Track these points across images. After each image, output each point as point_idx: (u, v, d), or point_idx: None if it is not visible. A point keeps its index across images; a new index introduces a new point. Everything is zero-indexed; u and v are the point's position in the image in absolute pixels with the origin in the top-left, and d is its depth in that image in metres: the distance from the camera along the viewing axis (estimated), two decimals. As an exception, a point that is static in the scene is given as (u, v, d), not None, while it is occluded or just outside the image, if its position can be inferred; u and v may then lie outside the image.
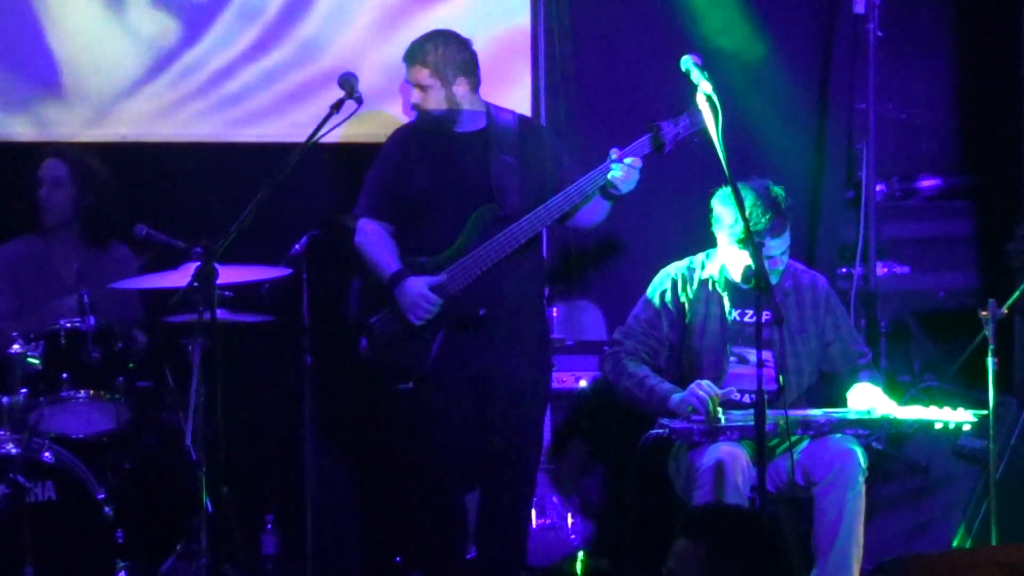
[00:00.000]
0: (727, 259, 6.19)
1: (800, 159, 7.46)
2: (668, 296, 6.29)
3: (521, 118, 6.43)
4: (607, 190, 6.15)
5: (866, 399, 6.09)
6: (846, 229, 7.45)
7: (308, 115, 5.57)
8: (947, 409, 5.94)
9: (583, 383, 6.98)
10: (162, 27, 7.19)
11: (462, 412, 6.27)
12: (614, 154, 6.09)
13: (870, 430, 6.12)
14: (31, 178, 6.77)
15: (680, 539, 4.38)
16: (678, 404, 6.06)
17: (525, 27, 7.29)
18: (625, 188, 6.13)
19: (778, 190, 6.15)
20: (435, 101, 6.23)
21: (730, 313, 6.22)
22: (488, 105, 6.33)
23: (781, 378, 5.68)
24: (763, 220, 6.01)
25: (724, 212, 6.15)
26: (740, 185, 5.83)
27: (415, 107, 6.25)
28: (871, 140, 7.35)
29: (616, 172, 6.09)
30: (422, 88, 6.21)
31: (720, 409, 5.95)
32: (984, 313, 6.01)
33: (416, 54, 6.24)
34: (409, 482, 6.43)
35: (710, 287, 6.26)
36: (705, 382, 6.05)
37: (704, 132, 5.77)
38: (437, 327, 6.18)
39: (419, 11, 7.15)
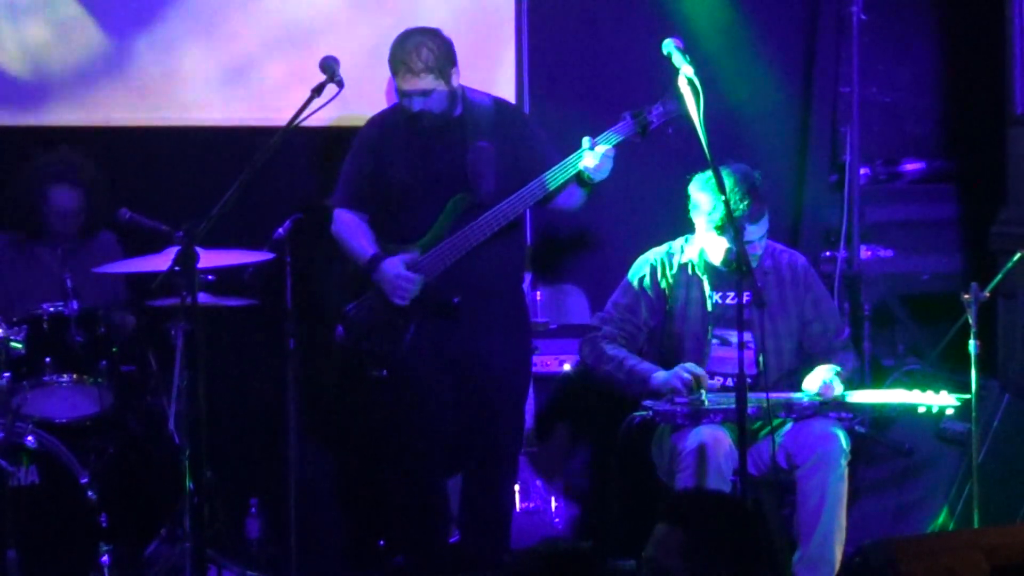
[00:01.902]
0: (706, 244, 6.19)
1: (784, 143, 7.50)
2: (647, 281, 6.29)
3: (497, 101, 6.40)
4: (581, 177, 6.13)
5: (817, 380, 6.05)
6: (830, 212, 7.47)
7: (291, 98, 5.55)
8: (930, 393, 5.95)
9: (567, 366, 6.99)
10: (138, 7, 7.17)
11: (440, 397, 6.27)
12: (586, 143, 6.08)
13: (853, 413, 6.12)
14: (29, 194, 6.72)
15: (661, 524, 4.40)
16: (661, 384, 6.07)
17: (508, 9, 7.27)
18: (598, 176, 6.12)
19: (756, 175, 6.13)
20: (438, 101, 6.18)
21: (711, 296, 6.22)
22: (464, 89, 6.30)
23: (761, 358, 5.65)
24: (741, 206, 6.00)
25: (702, 198, 6.14)
26: (722, 168, 5.84)
27: (419, 114, 6.15)
28: (855, 123, 7.35)
29: (588, 161, 6.07)
30: (425, 94, 6.14)
31: (703, 392, 5.96)
32: (967, 296, 5.99)
33: (413, 62, 6.10)
34: (391, 467, 6.43)
35: (690, 271, 6.26)
36: (690, 364, 6.06)
37: (684, 118, 5.75)
38: (411, 314, 6.18)
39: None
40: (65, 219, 6.74)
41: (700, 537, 4.32)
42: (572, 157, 6.11)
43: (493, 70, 7.21)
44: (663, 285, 6.27)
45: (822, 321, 6.32)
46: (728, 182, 5.96)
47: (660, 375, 6.09)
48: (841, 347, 6.33)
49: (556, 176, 6.11)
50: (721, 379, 6.14)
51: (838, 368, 6.14)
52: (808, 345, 6.32)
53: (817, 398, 6.01)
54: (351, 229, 6.32)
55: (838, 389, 6.00)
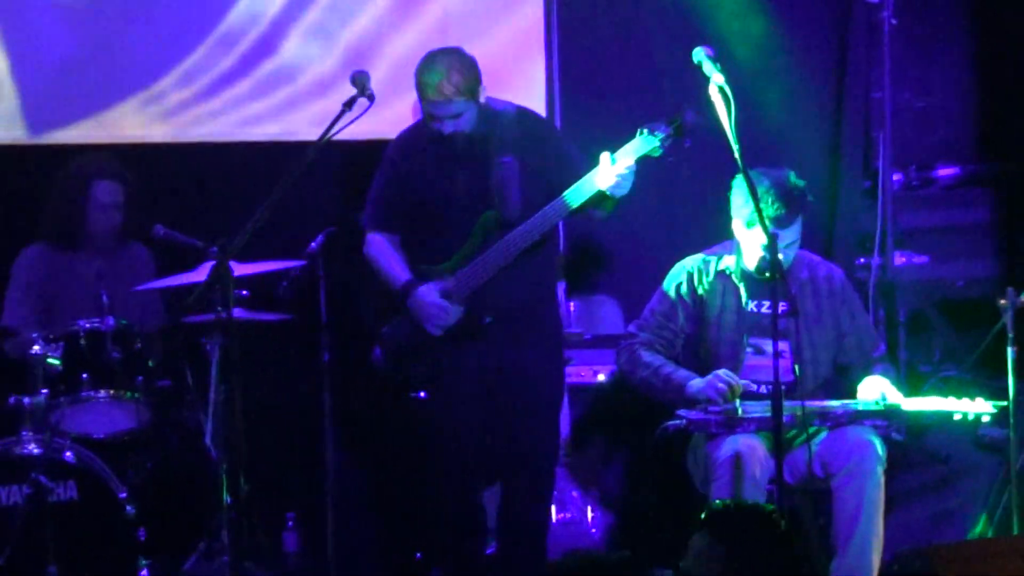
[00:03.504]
0: (742, 243, 6.17)
1: (817, 149, 7.49)
2: (684, 288, 6.27)
3: (521, 110, 6.34)
4: (603, 194, 6.05)
5: (874, 390, 6.05)
6: (864, 219, 7.46)
7: (322, 111, 5.57)
8: (966, 400, 5.89)
9: (601, 377, 6.98)
10: (171, 27, 7.23)
11: (475, 411, 6.26)
12: (604, 160, 5.99)
13: (889, 421, 6.08)
14: (71, 191, 6.77)
15: (698, 537, 4.41)
16: (697, 392, 6.06)
17: (538, 20, 7.29)
18: (620, 192, 6.02)
19: (796, 182, 6.11)
20: (469, 121, 6.14)
21: (747, 304, 6.20)
22: (488, 100, 6.23)
23: (797, 368, 5.65)
24: (771, 209, 5.98)
25: (736, 197, 6.14)
26: (757, 173, 5.85)
27: (452, 136, 6.11)
28: (887, 129, 7.36)
29: (604, 179, 5.99)
30: (456, 116, 6.10)
31: (738, 401, 5.95)
32: (1003, 301, 5.98)
33: (444, 87, 6.02)
34: (427, 479, 6.43)
35: (726, 278, 6.24)
36: (724, 371, 6.05)
37: (702, 131, 5.75)
38: (446, 335, 6.17)
39: (431, 2, 7.18)
40: (106, 214, 6.76)
41: (739, 552, 4.33)
42: (590, 174, 6.00)
43: (523, 83, 7.22)
44: (700, 292, 6.25)
45: (858, 335, 6.29)
46: (760, 187, 5.93)
47: (696, 383, 6.08)
48: (879, 360, 6.30)
49: (576, 195, 6.03)
50: (756, 386, 6.09)
51: (882, 379, 6.12)
52: (843, 358, 6.29)
53: (879, 405, 5.98)
54: (384, 253, 6.29)
55: (897, 396, 5.98)
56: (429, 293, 6.13)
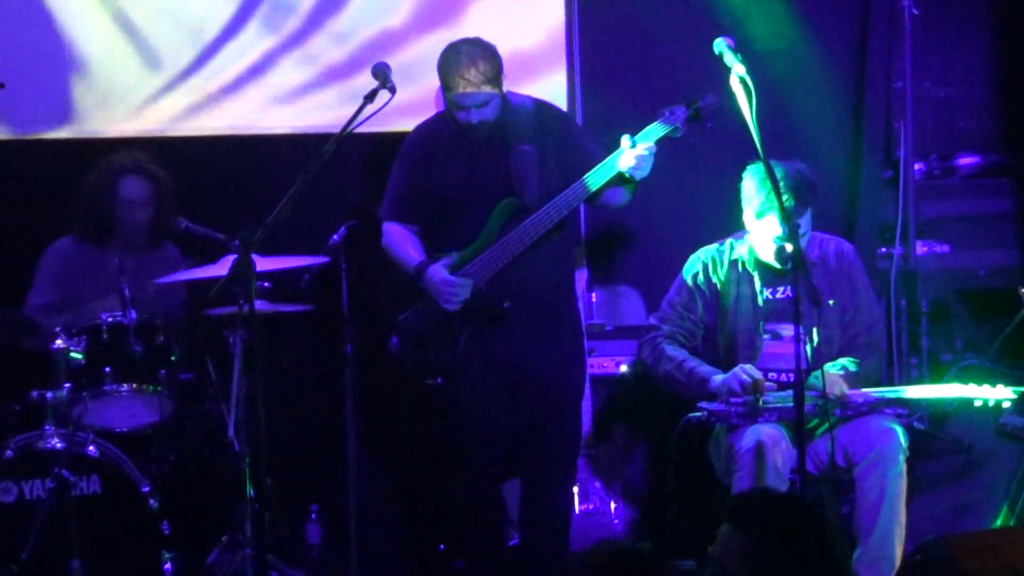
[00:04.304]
0: (754, 234, 6.21)
1: (838, 139, 7.46)
2: (701, 278, 6.32)
3: (538, 102, 6.40)
4: (623, 176, 6.14)
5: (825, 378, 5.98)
6: (885, 209, 7.43)
7: (348, 103, 5.61)
8: (986, 386, 5.91)
9: (623, 368, 6.98)
10: (197, 21, 7.28)
11: (496, 402, 6.29)
12: (625, 142, 6.09)
13: (911, 409, 6.11)
14: (100, 187, 6.81)
15: (726, 526, 4.42)
16: (719, 386, 6.09)
17: (559, 15, 7.33)
18: (640, 174, 6.12)
19: (807, 174, 6.14)
20: (494, 110, 6.20)
21: (762, 291, 6.24)
22: (508, 93, 6.29)
23: (810, 351, 5.63)
24: (782, 199, 5.97)
25: (747, 186, 6.19)
26: (771, 164, 5.82)
27: (478, 125, 6.17)
28: (909, 119, 7.33)
29: (626, 160, 6.08)
30: (483, 104, 6.15)
31: (759, 396, 5.98)
32: (1024, 290, 5.97)
33: (472, 75, 6.09)
34: (449, 471, 6.45)
35: (740, 268, 6.28)
36: (748, 366, 6.07)
37: (724, 112, 5.78)
38: (463, 321, 6.20)
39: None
40: (132, 211, 6.80)
41: (765, 540, 4.34)
42: (612, 157, 6.12)
43: (544, 77, 7.26)
44: (715, 282, 6.29)
45: (854, 313, 6.29)
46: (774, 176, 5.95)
47: (719, 377, 6.11)
48: (863, 344, 6.30)
49: (597, 177, 6.12)
50: (775, 374, 6.11)
51: (844, 363, 6.16)
52: (849, 333, 6.31)
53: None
54: (399, 241, 6.35)
55: (839, 386, 5.95)
56: (438, 271, 6.17)
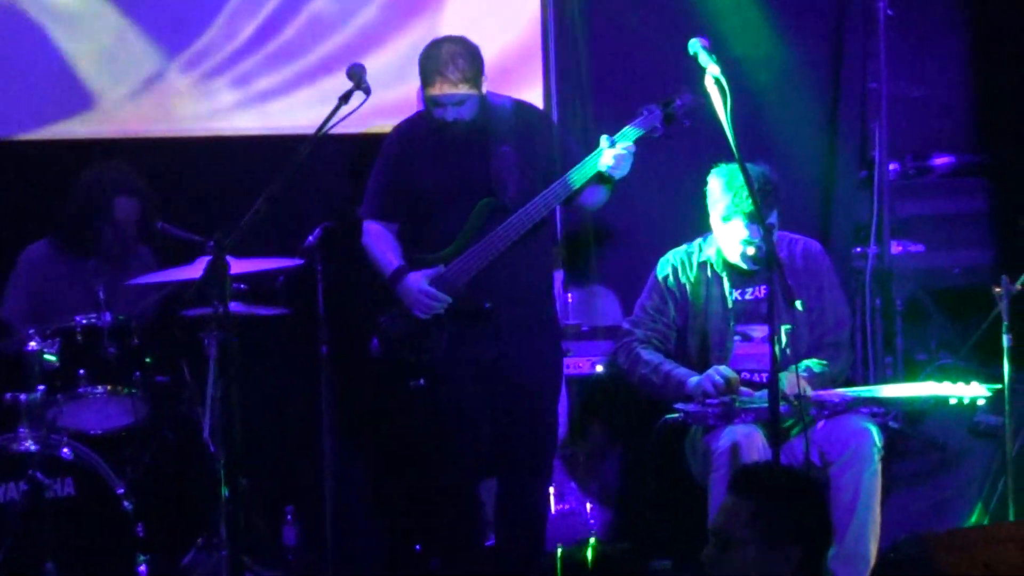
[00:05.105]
0: (720, 237, 6.26)
1: (813, 139, 7.48)
2: (671, 280, 6.37)
3: (518, 103, 6.43)
4: (602, 175, 6.17)
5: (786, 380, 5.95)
6: (860, 208, 7.45)
7: (325, 104, 5.65)
8: (960, 384, 5.90)
9: (599, 368, 6.95)
10: (169, 24, 7.28)
11: (475, 403, 6.30)
12: (604, 142, 6.12)
13: (886, 408, 6.14)
14: (90, 205, 6.78)
15: (730, 497, 4.48)
16: (695, 388, 6.13)
17: (536, 14, 7.35)
18: (619, 174, 6.16)
19: (772, 178, 6.18)
20: (471, 109, 6.21)
21: (731, 293, 6.28)
22: (487, 93, 6.31)
23: (778, 351, 5.64)
24: (746, 204, 6.04)
25: (713, 188, 6.24)
26: (735, 167, 5.92)
27: (453, 123, 6.19)
28: (883, 119, 7.34)
29: (606, 159, 6.12)
30: (460, 102, 6.17)
31: (734, 396, 6.01)
32: (998, 289, 6.01)
33: (450, 72, 6.12)
34: (426, 472, 6.46)
35: (709, 270, 6.33)
36: (723, 367, 6.11)
37: (703, 110, 5.79)
38: (444, 322, 6.21)
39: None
40: (121, 229, 6.79)
41: (769, 506, 4.39)
42: (591, 156, 6.15)
43: (521, 76, 7.26)
44: (685, 283, 6.34)
45: (820, 312, 6.33)
46: (736, 182, 6.05)
47: (695, 379, 6.15)
48: (830, 343, 6.33)
49: (577, 176, 6.15)
50: (747, 375, 6.16)
51: (810, 364, 6.18)
52: (816, 333, 6.34)
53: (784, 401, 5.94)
54: (378, 241, 6.36)
55: (802, 386, 5.92)
56: (417, 280, 6.18)
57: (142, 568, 6.15)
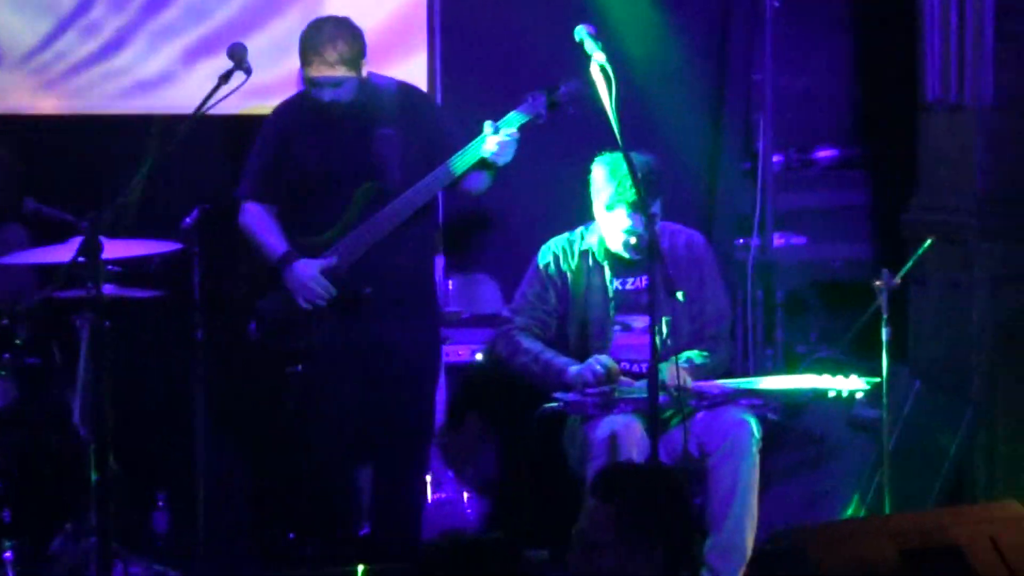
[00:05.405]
0: (603, 226, 6.25)
1: (698, 130, 7.50)
2: (552, 268, 6.34)
3: (402, 85, 6.40)
4: (485, 162, 6.16)
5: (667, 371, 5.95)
6: (743, 200, 7.51)
7: (205, 84, 5.61)
8: (840, 377, 5.97)
9: (478, 356, 6.96)
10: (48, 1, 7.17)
11: (352, 389, 6.27)
12: (488, 128, 6.11)
13: (764, 400, 6.17)
14: None
15: (591, 500, 4.47)
16: (575, 377, 6.11)
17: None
18: (502, 160, 6.15)
19: (655, 167, 6.16)
20: (349, 91, 6.18)
21: (612, 283, 6.27)
22: (369, 74, 6.29)
23: (658, 341, 5.66)
24: (630, 192, 6.02)
25: (597, 176, 6.22)
26: (618, 156, 5.91)
27: (329, 104, 6.16)
28: (768, 111, 7.42)
29: (490, 145, 6.11)
30: (337, 84, 6.13)
31: (614, 386, 6.01)
32: (878, 283, 6.06)
33: (328, 53, 6.08)
34: (300, 458, 6.43)
35: (590, 258, 6.31)
36: (603, 357, 6.10)
37: (589, 98, 5.76)
38: (324, 307, 6.17)
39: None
40: None
41: (629, 508, 4.38)
42: (475, 142, 6.13)
43: (405, 58, 7.20)
44: (566, 271, 6.32)
45: (701, 304, 6.33)
46: (620, 170, 6.03)
47: (575, 368, 6.13)
48: (710, 335, 6.34)
49: (461, 162, 6.13)
50: (627, 365, 6.16)
51: (691, 356, 6.20)
52: (698, 326, 6.35)
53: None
54: (259, 223, 6.31)
55: (682, 377, 5.92)
56: (308, 268, 6.14)
57: (8, 555, 6.06)
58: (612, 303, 6.26)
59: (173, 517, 6.93)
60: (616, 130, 5.51)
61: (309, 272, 6.13)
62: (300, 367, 6.24)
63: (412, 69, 7.17)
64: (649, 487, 4.50)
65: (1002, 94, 6.91)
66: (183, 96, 6.94)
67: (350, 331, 6.21)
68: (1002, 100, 6.91)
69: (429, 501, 6.72)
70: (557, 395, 6.06)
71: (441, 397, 6.76)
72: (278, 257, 6.19)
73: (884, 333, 6.05)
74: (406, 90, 6.41)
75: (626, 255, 6.22)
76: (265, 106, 6.59)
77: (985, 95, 6.91)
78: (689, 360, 6.18)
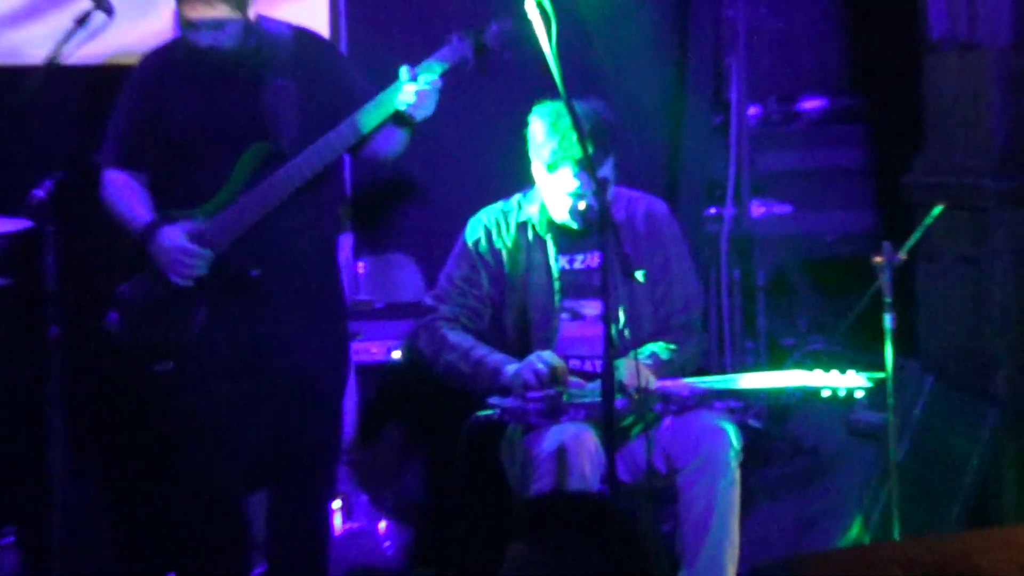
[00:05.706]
0: (544, 191, 6.19)
1: (657, 77, 7.46)
2: (483, 245, 6.29)
3: (298, 30, 6.32)
4: (400, 116, 6.06)
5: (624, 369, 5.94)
6: (714, 161, 7.53)
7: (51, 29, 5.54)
8: (835, 373, 5.90)
9: (396, 354, 6.91)
10: None
11: (238, 394, 6.13)
12: (404, 74, 6.01)
13: (745, 403, 6.11)
14: None
15: (516, 543, 4.27)
16: (513, 378, 6.02)
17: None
18: (421, 114, 6.05)
19: (606, 116, 6.12)
20: (231, 35, 6.08)
21: (556, 260, 6.20)
22: (259, 18, 6.21)
23: (614, 329, 5.57)
24: (576, 148, 5.93)
25: (535, 131, 6.17)
26: (560, 104, 5.86)
27: (207, 50, 6.06)
28: (740, 53, 7.52)
29: (406, 95, 6.02)
30: (217, 26, 6.03)
31: (561, 387, 5.93)
32: (878, 259, 5.98)
33: None
34: (179, 482, 6.32)
35: (530, 231, 6.25)
36: (546, 353, 6.01)
37: (525, 41, 5.65)
38: (200, 293, 6.06)
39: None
40: None
41: (561, 555, 4.20)
42: (388, 91, 6.02)
43: (304, 2, 7.17)
44: (500, 248, 6.28)
45: (666, 286, 6.30)
46: (564, 122, 5.98)
47: (513, 367, 6.06)
48: (678, 324, 6.31)
49: (370, 116, 6.02)
50: (577, 362, 6.11)
51: (655, 349, 6.15)
52: (662, 311, 6.33)
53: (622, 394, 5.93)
54: (123, 192, 6.20)
55: (644, 376, 5.88)
56: (173, 235, 6.02)
57: None
58: (557, 285, 6.18)
59: (24, 557, 6.79)
60: (557, 77, 5.42)
61: (174, 240, 6.04)
62: (172, 364, 6.12)
63: (311, 11, 7.14)
64: (585, 524, 4.32)
65: (1022, 29, 6.83)
66: (30, 42, 6.85)
67: (233, 322, 6.10)
68: (1022, 36, 6.84)
69: (337, 532, 6.67)
70: (492, 400, 5.97)
71: (350, 405, 6.72)
72: (142, 228, 6.10)
73: (887, 320, 5.98)
74: (303, 36, 6.34)
75: (573, 225, 6.14)
76: (134, 54, 6.48)
77: (1002, 31, 6.83)
78: (652, 355, 6.11)
